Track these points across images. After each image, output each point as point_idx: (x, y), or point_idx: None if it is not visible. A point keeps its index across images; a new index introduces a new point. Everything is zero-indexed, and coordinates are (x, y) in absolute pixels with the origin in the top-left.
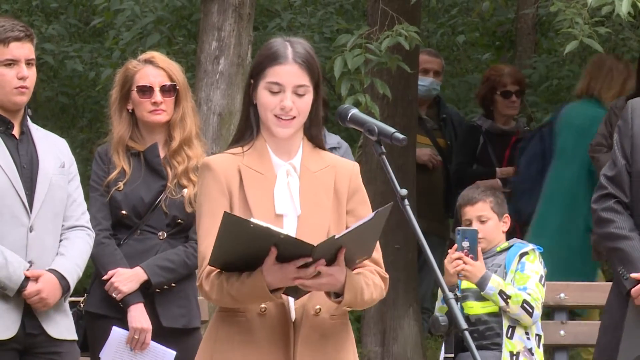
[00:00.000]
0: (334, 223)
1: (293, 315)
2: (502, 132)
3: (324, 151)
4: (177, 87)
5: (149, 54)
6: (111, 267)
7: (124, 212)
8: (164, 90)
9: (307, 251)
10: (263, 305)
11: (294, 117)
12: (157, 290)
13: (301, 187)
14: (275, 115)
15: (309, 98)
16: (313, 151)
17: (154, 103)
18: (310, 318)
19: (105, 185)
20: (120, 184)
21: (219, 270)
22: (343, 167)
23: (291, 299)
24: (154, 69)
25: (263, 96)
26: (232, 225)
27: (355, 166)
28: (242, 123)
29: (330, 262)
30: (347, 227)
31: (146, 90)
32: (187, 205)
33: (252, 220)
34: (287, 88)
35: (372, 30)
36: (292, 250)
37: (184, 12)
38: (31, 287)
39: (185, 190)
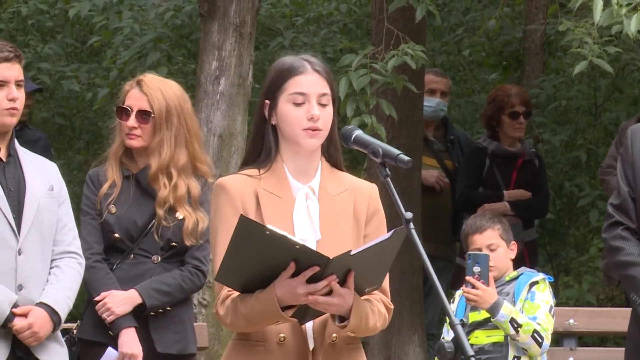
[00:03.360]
0: (353, 249)
1: (311, 344)
2: (508, 154)
3: (342, 172)
4: (153, 115)
5: (142, 76)
6: (104, 291)
7: (116, 235)
8: (141, 115)
9: (321, 263)
10: (282, 335)
11: (320, 130)
12: (152, 313)
13: (320, 211)
14: (304, 129)
15: (330, 110)
16: (331, 172)
17: (128, 127)
18: (328, 347)
19: (97, 203)
20: (112, 207)
21: (235, 293)
22: (361, 190)
23: (309, 327)
24: (138, 92)
25: (287, 111)
26: (247, 231)
27: (374, 188)
28: (255, 144)
29: (340, 284)
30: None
31: (124, 113)
32: (187, 238)
33: (268, 226)
34: (312, 97)
35: (377, 50)
36: (306, 264)
37: (184, 31)
38: (21, 322)
39: (178, 214)
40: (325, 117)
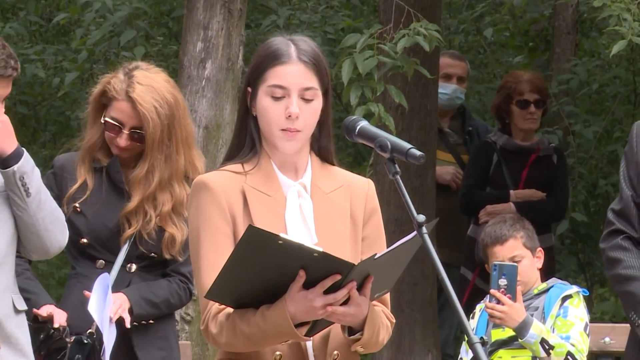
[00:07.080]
0: (352, 253)
1: None
2: (519, 149)
3: (334, 167)
4: (145, 137)
5: (130, 82)
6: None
7: (84, 240)
8: (134, 134)
9: (343, 271)
10: (278, 352)
11: (299, 131)
12: (135, 323)
13: (315, 210)
14: (282, 129)
15: (317, 105)
16: (323, 167)
17: (118, 145)
18: None
19: (64, 204)
20: (77, 205)
21: (228, 308)
22: (357, 187)
23: (309, 343)
24: (130, 109)
25: (264, 105)
26: (256, 242)
27: (370, 184)
28: (238, 137)
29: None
30: (362, 256)
31: (115, 127)
32: (165, 250)
33: (281, 235)
34: (293, 91)
35: (386, 29)
36: (324, 273)
37: (164, 8)
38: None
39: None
40: (308, 115)
